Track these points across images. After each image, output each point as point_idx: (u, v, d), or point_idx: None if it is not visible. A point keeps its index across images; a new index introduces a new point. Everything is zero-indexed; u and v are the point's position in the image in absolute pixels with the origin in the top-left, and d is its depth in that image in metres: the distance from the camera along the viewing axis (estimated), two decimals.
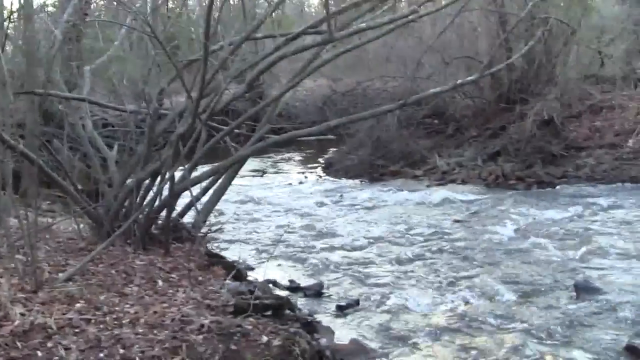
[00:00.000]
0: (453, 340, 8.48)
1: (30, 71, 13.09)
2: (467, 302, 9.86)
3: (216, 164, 10.56)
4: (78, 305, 7.00)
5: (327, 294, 10.51)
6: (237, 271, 9.48)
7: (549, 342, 8.33)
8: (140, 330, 6.56)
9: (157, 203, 10.00)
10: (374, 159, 22.98)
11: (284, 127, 15.30)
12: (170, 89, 12.63)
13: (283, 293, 10.20)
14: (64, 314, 6.68)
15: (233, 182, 11.63)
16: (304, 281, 11.11)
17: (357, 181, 21.99)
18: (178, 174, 10.07)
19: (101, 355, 6.01)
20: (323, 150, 28.69)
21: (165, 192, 9.79)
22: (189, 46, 13.16)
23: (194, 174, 10.38)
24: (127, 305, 7.27)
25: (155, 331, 6.58)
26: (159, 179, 10.03)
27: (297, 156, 29.22)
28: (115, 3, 11.93)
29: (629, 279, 10.60)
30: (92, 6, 18.89)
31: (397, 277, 11.28)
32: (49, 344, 6.05)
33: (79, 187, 10.87)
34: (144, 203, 9.99)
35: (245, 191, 19.71)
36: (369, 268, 11.83)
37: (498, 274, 11.16)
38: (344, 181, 22.18)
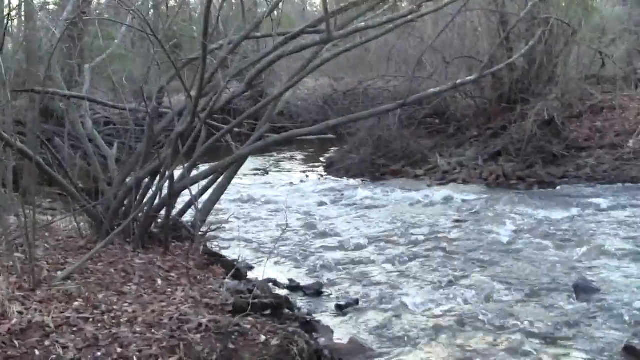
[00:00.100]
0: (452, 340, 8.47)
1: (30, 69, 13.08)
2: (466, 302, 9.85)
3: (216, 163, 10.56)
4: (76, 303, 7.01)
5: (326, 294, 10.52)
6: (237, 270, 9.47)
7: (547, 342, 8.34)
8: (138, 329, 6.57)
9: (156, 202, 10.00)
10: (375, 159, 22.97)
11: (285, 126, 15.31)
12: (171, 88, 12.65)
13: (282, 292, 10.22)
14: (61, 313, 6.68)
15: (234, 181, 11.63)
16: (304, 280, 11.11)
17: (358, 180, 21.95)
18: (178, 173, 10.08)
19: (98, 354, 6.02)
20: (324, 149, 28.69)
21: (165, 191, 9.79)
22: (191, 45, 13.17)
23: (195, 173, 10.38)
24: (126, 304, 7.27)
25: (153, 330, 6.59)
26: (158, 177, 10.03)
27: (298, 155, 29.21)
28: (116, 1, 11.89)
29: (628, 279, 10.59)
30: (92, 4, 18.82)
31: (397, 276, 11.28)
32: (47, 343, 6.06)
33: (80, 185, 10.89)
34: (144, 202, 9.99)
35: (246, 190, 19.70)
36: (369, 267, 11.82)
37: (498, 273, 11.16)
38: (345, 180, 22.15)
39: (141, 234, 9.84)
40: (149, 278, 8.45)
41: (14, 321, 6.25)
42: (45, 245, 9.04)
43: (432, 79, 23.75)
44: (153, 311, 7.06)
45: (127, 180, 10.38)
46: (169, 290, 8.10)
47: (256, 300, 7.99)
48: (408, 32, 25.38)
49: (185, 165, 9.77)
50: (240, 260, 10.55)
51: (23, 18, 15.33)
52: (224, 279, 9.01)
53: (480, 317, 9.19)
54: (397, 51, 26.88)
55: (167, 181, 9.49)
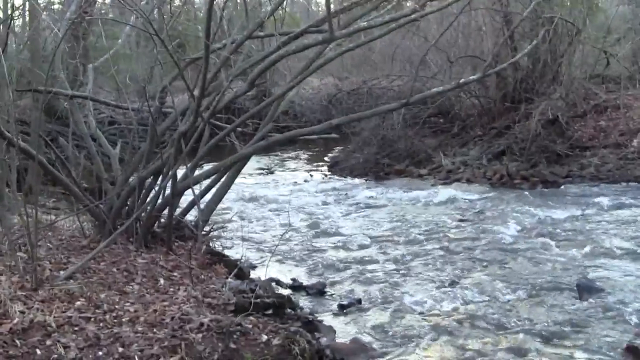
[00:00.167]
0: (454, 340, 8.46)
1: (33, 69, 13.10)
2: (469, 302, 9.84)
3: (219, 162, 10.57)
4: (78, 303, 7.03)
5: (329, 293, 10.52)
6: (239, 269, 9.50)
7: (549, 342, 8.34)
8: (140, 329, 6.59)
9: (159, 201, 10.02)
10: (379, 158, 22.98)
11: (289, 125, 15.31)
12: (175, 87, 12.65)
13: (285, 292, 10.22)
14: (63, 312, 6.70)
15: (238, 180, 11.65)
16: (307, 280, 11.12)
17: (362, 180, 21.95)
18: (182, 173, 10.10)
19: (100, 353, 6.03)
20: (329, 148, 28.72)
21: (168, 191, 9.80)
22: (195, 44, 13.16)
23: (198, 172, 10.39)
24: (128, 304, 7.29)
25: (154, 330, 6.61)
26: (161, 177, 10.04)
27: (303, 155, 29.21)
28: (119, 1, 11.89)
29: (631, 279, 10.58)
30: (97, 4, 18.82)
31: (400, 276, 11.28)
32: (48, 342, 6.07)
33: (84, 184, 10.92)
34: (147, 201, 10.00)
35: (250, 189, 19.72)
36: (372, 267, 11.82)
37: (501, 273, 11.16)
38: (349, 180, 22.15)
39: (144, 234, 9.86)
40: (152, 277, 8.48)
41: (15, 320, 6.26)
42: (48, 244, 9.06)
43: (436, 78, 23.75)
44: (155, 311, 7.08)
45: (130, 179, 10.39)
46: (171, 289, 8.12)
47: (258, 300, 8.01)
48: (412, 31, 25.35)
49: (188, 164, 9.79)
50: (243, 259, 10.57)
51: (27, 18, 15.33)
52: (227, 278, 9.03)
53: (483, 316, 9.20)
54: (401, 51, 26.86)
55: (170, 181, 9.50)
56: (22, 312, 6.47)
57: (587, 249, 12.18)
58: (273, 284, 10.37)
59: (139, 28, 11.22)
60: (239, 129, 11.51)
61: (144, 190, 10.14)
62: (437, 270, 11.49)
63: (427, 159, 22.73)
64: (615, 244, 12.39)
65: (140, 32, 12.60)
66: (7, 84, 8.93)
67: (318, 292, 10.47)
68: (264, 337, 6.73)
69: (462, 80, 11.37)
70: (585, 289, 9.90)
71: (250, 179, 21.87)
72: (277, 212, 16.70)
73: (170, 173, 9.42)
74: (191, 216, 11.28)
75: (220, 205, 11.73)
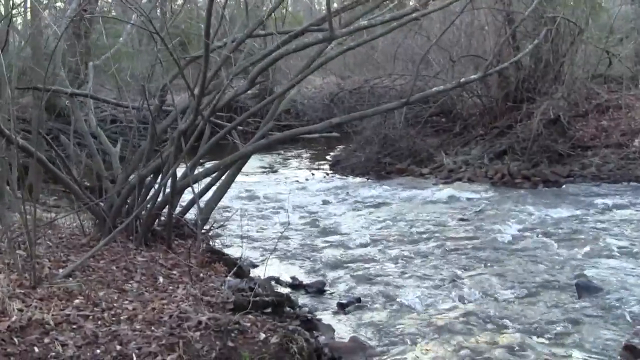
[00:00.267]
0: (453, 339, 8.45)
1: (33, 67, 13.11)
2: (468, 301, 9.85)
3: (218, 161, 10.58)
4: (76, 301, 7.04)
5: (329, 292, 10.53)
6: (239, 268, 9.50)
7: (548, 340, 8.35)
8: (138, 327, 6.60)
9: (159, 199, 10.02)
10: (380, 157, 22.99)
11: (290, 124, 15.30)
12: (178, 86, 12.65)
13: (285, 290, 10.22)
14: (61, 310, 6.71)
15: (239, 179, 11.65)
16: (307, 278, 11.12)
17: (363, 179, 21.97)
18: (182, 171, 10.12)
19: (98, 351, 6.05)
20: (331, 147, 28.73)
21: (168, 189, 9.81)
22: (198, 43, 13.16)
23: (199, 171, 10.41)
24: (126, 302, 7.31)
25: (152, 328, 6.62)
26: (161, 175, 10.05)
27: (305, 153, 29.22)
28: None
29: (631, 278, 10.58)
30: (99, 2, 18.83)
31: (400, 274, 11.28)
32: (46, 340, 6.09)
33: (85, 182, 10.93)
34: (147, 199, 10.01)
35: (251, 188, 19.72)
36: (372, 266, 11.82)
37: (501, 272, 11.15)
38: (351, 179, 22.17)
39: (144, 232, 9.87)
40: (151, 276, 8.49)
41: (13, 318, 6.28)
42: (48, 242, 9.07)
43: (438, 77, 23.77)
44: (153, 309, 7.09)
45: (131, 178, 10.40)
46: (170, 288, 8.13)
47: (257, 298, 8.02)
48: (415, 30, 25.33)
49: (188, 163, 9.80)
50: (243, 258, 10.58)
51: (28, 15, 15.33)
52: (226, 276, 9.03)
53: (482, 315, 9.20)
54: (403, 50, 26.82)
55: (170, 179, 9.51)
56: (21, 310, 6.49)
57: (587, 248, 12.20)
58: (272, 282, 10.37)
59: (140, 26, 11.23)
60: (240, 128, 11.51)
61: (144, 189, 10.15)
62: (437, 269, 11.49)
63: (428, 158, 22.74)
64: (615, 244, 12.41)
65: (143, 31, 12.60)
66: (7, 81, 8.94)
67: (317, 290, 10.47)
68: (262, 336, 6.73)
69: (462, 80, 11.38)
70: (584, 288, 9.91)
71: (251, 177, 21.87)
72: (277, 211, 16.71)
73: (170, 171, 9.42)
74: (191, 215, 11.29)
75: (221, 204, 11.73)
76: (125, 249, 9.28)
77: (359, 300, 9.91)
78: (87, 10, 12.01)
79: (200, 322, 6.71)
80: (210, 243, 11.19)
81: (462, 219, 15.32)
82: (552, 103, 20.96)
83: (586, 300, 9.61)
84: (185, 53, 12.58)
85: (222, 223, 12.21)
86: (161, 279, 8.40)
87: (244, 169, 11.82)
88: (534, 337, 8.42)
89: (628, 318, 8.90)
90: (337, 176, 22.88)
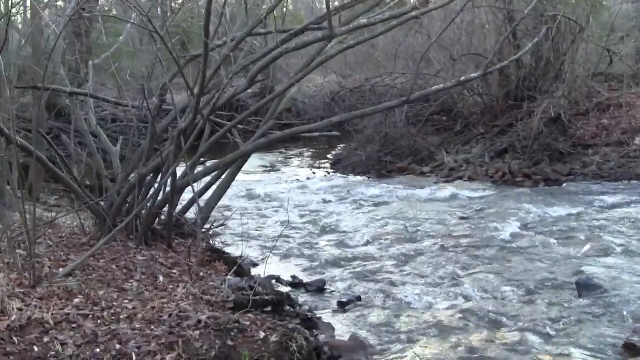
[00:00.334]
0: (453, 337, 8.44)
1: (32, 66, 13.12)
2: (468, 299, 9.85)
3: (218, 160, 10.59)
4: (76, 300, 7.05)
5: (329, 290, 10.52)
6: (239, 267, 9.51)
7: (548, 339, 8.34)
8: (138, 326, 6.60)
9: (159, 198, 10.03)
10: (381, 156, 23.01)
11: (291, 123, 15.30)
12: (179, 85, 12.64)
13: (285, 289, 10.22)
14: (61, 309, 6.72)
15: (240, 178, 11.65)
16: (307, 277, 11.13)
17: (364, 177, 22.00)
18: (183, 170, 10.12)
19: (97, 350, 6.05)
20: (332, 146, 28.77)
21: (169, 188, 9.81)
22: (199, 42, 13.17)
23: (200, 170, 10.41)
24: (126, 301, 7.31)
25: (152, 327, 6.62)
26: (161, 174, 10.05)
27: (306, 152, 29.24)
28: None
29: (631, 276, 10.58)
30: (99, 1, 18.84)
31: (401, 273, 11.28)
32: (46, 339, 6.09)
33: (86, 182, 10.94)
34: (147, 199, 10.01)
35: (252, 187, 19.71)
36: (373, 264, 11.82)
37: (501, 271, 11.15)
38: (352, 177, 22.19)
39: (144, 231, 9.87)
40: (151, 275, 8.49)
41: (13, 318, 6.28)
42: (48, 242, 9.07)
43: (439, 76, 23.79)
44: (153, 308, 7.10)
45: (131, 177, 10.40)
46: (171, 287, 8.13)
47: (257, 297, 8.02)
48: (416, 29, 25.35)
49: (188, 162, 9.80)
50: (243, 257, 10.58)
51: (29, 14, 15.33)
52: (226, 275, 9.04)
53: (482, 314, 9.19)
54: (404, 48, 26.83)
55: (170, 178, 9.51)
56: (20, 310, 6.49)
57: (587, 246, 12.20)
58: (273, 281, 10.37)
59: (139, 25, 11.24)
60: (241, 127, 11.52)
61: (144, 188, 10.15)
62: (438, 267, 11.47)
63: (429, 157, 22.76)
64: (615, 242, 12.40)
65: (143, 30, 12.61)
66: (6, 81, 8.94)
67: (318, 289, 10.48)
68: (262, 334, 6.74)
69: (462, 78, 11.37)
70: (584, 287, 9.91)
71: (252, 176, 21.87)
72: (278, 210, 16.71)
73: (170, 171, 9.43)
74: (192, 214, 11.29)
75: (221, 203, 11.74)
76: (125, 248, 9.27)
77: (359, 298, 9.91)
78: (85, 9, 12.00)
79: (199, 321, 6.72)
80: (211, 242, 11.19)
81: (462, 218, 15.31)
82: (553, 101, 20.97)
83: (586, 298, 9.61)
84: (186, 52, 12.58)
85: (222, 222, 12.20)
86: (161, 278, 8.41)
87: (245, 168, 11.82)
88: (534, 335, 8.41)
89: (628, 316, 8.88)
90: (338, 175, 22.89)
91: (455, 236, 13.52)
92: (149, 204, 9.88)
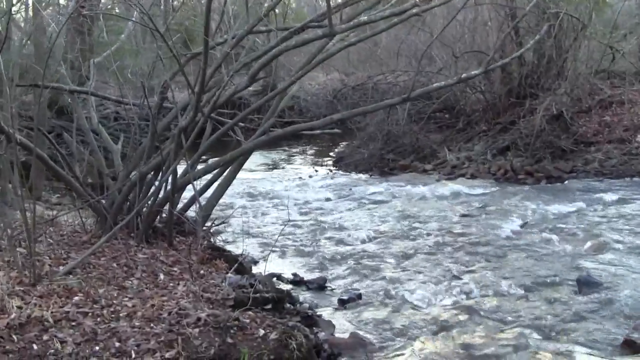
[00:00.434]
0: (454, 335, 8.44)
1: (33, 64, 13.12)
2: (469, 297, 9.86)
3: (219, 158, 10.59)
4: (76, 298, 7.05)
5: (330, 288, 10.52)
6: (240, 264, 9.51)
7: (548, 335, 8.35)
8: (137, 324, 6.60)
9: (160, 196, 10.03)
10: (384, 153, 23.01)
11: (293, 120, 15.29)
12: (181, 83, 12.62)
13: (286, 286, 10.22)
14: (61, 307, 6.72)
15: (242, 176, 11.64)
16: (308, 275, 11.12)
17: (366, 175, 22.01)
18: (183, 168, 10.12)
19: (96, 348, 6.06)
20: (335, 144, 28.77)
21: (170, 186, 9.82)
22: (201, 39, 13.14)
23: (201, 168, 10.41)
24: (126, 299, 7.32)
25: (151, 324, 6.62)
26: (161, 172, 10.06)
27: (309, 150, 29.27)
28: None
29: (632, 273, 10.58)
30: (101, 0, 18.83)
31: (402, 271, 11.28)
32: (45, 337, 6.10)
33: (88, 180, 10.93)
34: (147, 196, 10.02)
35: (254, 184, 19.75)
36: (374, 262, 11.81)
37: (502, 268, 11.17)
38: (354, 175, 22.20)
39: (145, 229, 9.88)
40: (152, 273, 8.50)
41: (12, 315, 6.29)
42: (49, 240, 9.08)
43: (441, 73, 23.78)
44: (153, 306, 7.09)
45: (132, 175, 10.40)
46: (171, 284, 8.13)
47: (257, 295, 8.02)
48: (418, 27, 25.36)
49: (189, 160, 9.81)
50: (244, 254, 10.58)
51: (30, 12, 15.34)
52: (227, 273, 9.04)
53: (483, 311, 9.21)
54: (406, 46, 26.85)
55: (171, 176, 9.52)
56: (20, 307, 6.50)
57: (588, 243, 12.22)
58: (274, 278, 10.40)
59: (140, 23, 11.23)
60: (242, 124, 11.52)
61: (145, 186, 10.15)
62: (439, 265, 11.49)
63: (432, 154, 22.78)
64: (617, 239, 12.42)
65: (146, 28, 12.61)
66: (7, 79, 8.94)
67: (319, 286, 10.48)
68: (261, 332, 6.74)
69: (464, 75, 11.32)
70: (585, 283, 9.93)
71: (254, 174, 21.90)
72: (280, 207, 16.71)
73: (170, 168, 9.43)
74: (192, 211, 11.30)
75: (223, 200, 11.74)
76: (126, 246, 9.28)
77: (360, 296, 9.91)
78: (84, 7, 11.99)
79: (199, 319, 6.72)
80: (212, 240, 11.19)
81: (464, 215, 15.32)
82: (555, 99, 20.95)
83: (586, 295, 9.63)
84: (187, 50, 12.58)
85: (223, 220, 12.20)
86: (162, 276, 8.41)
87: (246, 166, 11.83)
88: (535, 332, 8.42)
89: (628, 313, 8.90)
90: (341, 173, 22.90)
91: (456, 233, 13.53)
92: (149, 202, 9.89)
